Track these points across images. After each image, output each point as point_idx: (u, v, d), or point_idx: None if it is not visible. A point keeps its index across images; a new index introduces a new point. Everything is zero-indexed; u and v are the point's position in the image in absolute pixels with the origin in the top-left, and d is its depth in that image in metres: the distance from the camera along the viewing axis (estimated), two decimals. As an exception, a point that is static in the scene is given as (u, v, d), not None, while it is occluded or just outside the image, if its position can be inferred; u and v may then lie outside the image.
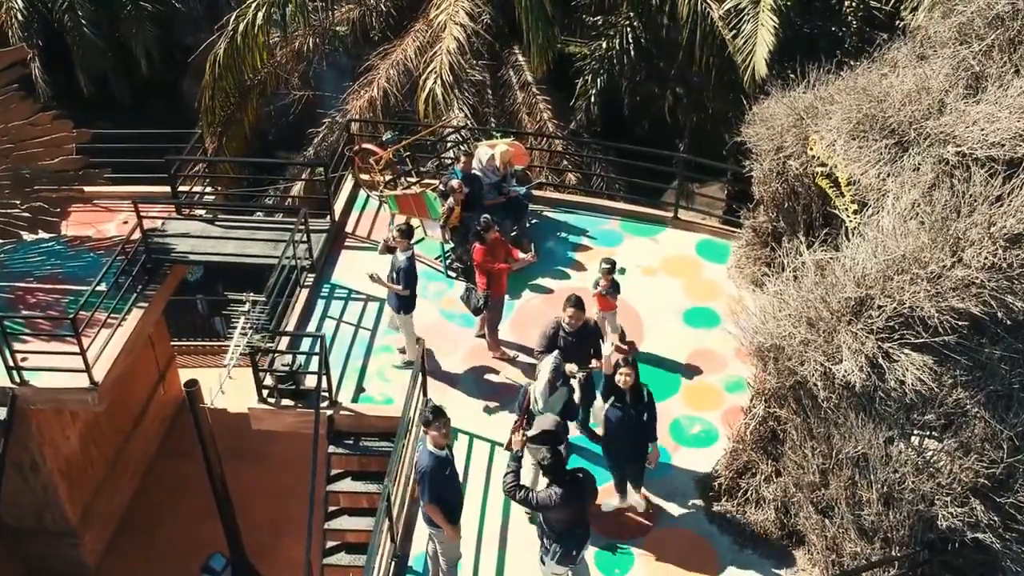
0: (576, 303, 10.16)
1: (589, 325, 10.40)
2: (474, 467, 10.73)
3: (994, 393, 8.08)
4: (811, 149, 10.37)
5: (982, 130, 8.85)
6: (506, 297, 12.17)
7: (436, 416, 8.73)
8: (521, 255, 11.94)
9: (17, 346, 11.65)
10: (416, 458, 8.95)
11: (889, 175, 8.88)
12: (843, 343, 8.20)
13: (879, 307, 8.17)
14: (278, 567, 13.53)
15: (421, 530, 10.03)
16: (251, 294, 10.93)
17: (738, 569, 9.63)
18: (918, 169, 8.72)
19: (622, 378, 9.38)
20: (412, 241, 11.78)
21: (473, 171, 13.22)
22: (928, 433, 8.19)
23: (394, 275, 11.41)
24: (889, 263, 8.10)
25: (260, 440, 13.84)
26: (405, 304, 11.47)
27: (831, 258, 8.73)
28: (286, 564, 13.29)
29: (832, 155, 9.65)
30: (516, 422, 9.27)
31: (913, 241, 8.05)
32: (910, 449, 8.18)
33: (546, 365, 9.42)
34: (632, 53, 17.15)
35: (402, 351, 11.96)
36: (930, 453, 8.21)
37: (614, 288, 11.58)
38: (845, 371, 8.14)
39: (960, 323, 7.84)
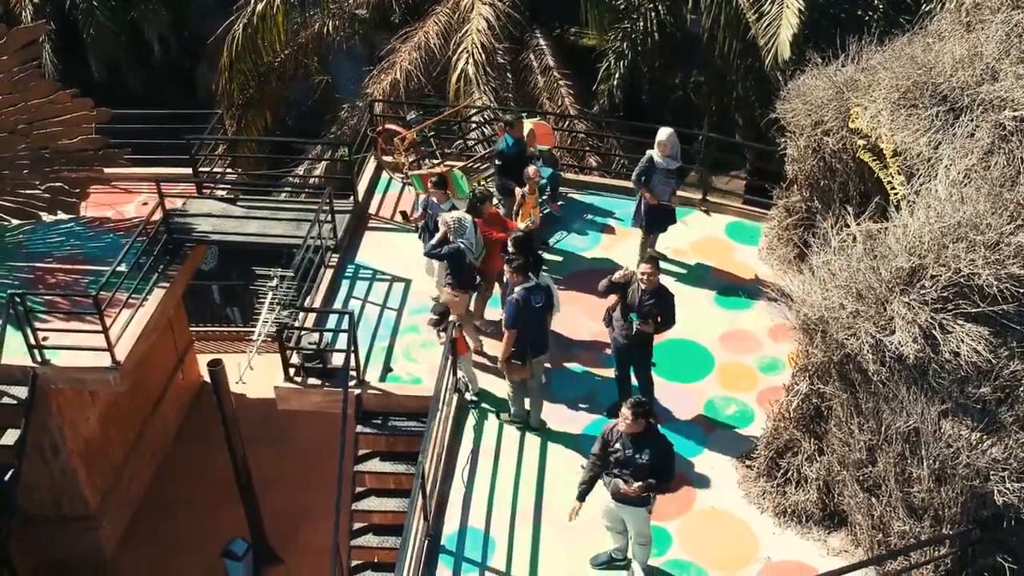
0: (652, 259, 9.86)
1: (664, 289, 9.98)
2: (505, 444, 10.52)
3: (1054, 364, 7.84)
4: (853, 122, 10.11)
5: (1041, 94, 8.60)
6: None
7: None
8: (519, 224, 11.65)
9: (37, 326, 11.46)
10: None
11: (941, 142, 8.63)
12: (896, 314, 7.95)
13: (933, 276, 7.93)
14: (298, 552, 13.37)
15: (453, 509, 9.83)
16: (279, 269, 10.72)
17: (778, 550, 9.38)
18: (973, 135, 8.48)
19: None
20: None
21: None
22: (983, 406, 7.94)
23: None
24: (945, 230, 7.86)
25: (280, 425, 13.74)
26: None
27: (881, 228, 8.48)
28: (306, 549, 13.16)
29: (877, 126, 9.39)
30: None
31: (971, 207, 7.80)
32: (964, 423, 7.94)
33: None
34: (656, 36, 16.94)
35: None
36: (985, 427, 7.96)
37: None
38: (898, 343, 7.90)
39: (1020, 291, 7.61)
